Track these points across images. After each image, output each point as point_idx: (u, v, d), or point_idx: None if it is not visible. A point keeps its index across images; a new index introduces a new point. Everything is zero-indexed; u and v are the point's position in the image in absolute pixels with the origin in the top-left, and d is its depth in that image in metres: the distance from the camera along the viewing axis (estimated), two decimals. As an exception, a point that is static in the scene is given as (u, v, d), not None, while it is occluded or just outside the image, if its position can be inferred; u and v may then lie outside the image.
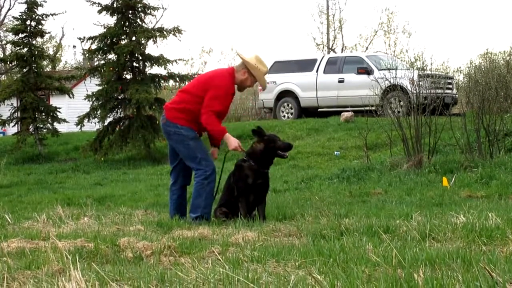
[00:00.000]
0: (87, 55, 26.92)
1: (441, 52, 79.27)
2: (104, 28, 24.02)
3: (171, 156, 8.87)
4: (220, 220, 8.23)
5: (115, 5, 23.92)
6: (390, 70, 17.21)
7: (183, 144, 8.47)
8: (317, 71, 24.14)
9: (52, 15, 27.48)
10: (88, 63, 31.12)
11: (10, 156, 24.94)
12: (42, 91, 28.27)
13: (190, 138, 8.40)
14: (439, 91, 16.21)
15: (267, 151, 8.48)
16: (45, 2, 26.88)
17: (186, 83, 26.25)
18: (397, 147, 16.22)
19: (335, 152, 18.64)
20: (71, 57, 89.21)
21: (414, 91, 15.70)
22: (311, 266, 5.04)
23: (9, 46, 36.89)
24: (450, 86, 21.01)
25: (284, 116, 24.66)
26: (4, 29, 46.98)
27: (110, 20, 24.65)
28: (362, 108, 18.22)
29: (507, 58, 19.68)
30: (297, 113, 24.41)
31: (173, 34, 24.01)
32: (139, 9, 24.19)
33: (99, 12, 24.07)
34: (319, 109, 24.22)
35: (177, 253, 5.87)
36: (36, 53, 26.87)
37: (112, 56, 24.20)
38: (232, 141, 8.42)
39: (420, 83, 15.78)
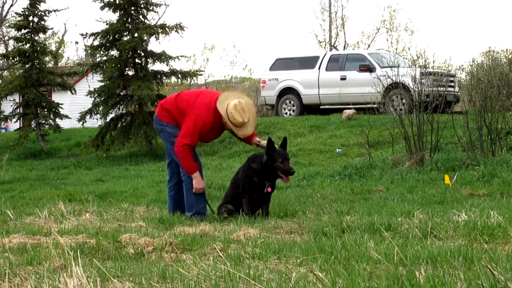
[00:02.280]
0: (89, 51, 26.93)
1: (444, 50, 79.45)
2: (107, 24, 24.01)
3: (166, 152, 8.92)
4: (223, 217, 8.22)
5: (117, 2, 23.90)
6: (392, 68, 17.21)
7: (168, 140, 8.55)
8: (319, 68, 24.14)
9: (54, 11, 27.49)
10: (90, 59, 31.10)
11: (12, 152, 24.94)
12: (44, 87, 28.25)
13: (174, 136, 8.42)
14: (441, 89, 16.19)
15: (266, 166, 8.33)
16: (48, -2, 26.92)
17: (188, 80, 26.34)
18: (399, 144, 16.21)
19: (337, 150, 18.64)
20: (73, 53, 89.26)
21: (416, 89, 15.68)
22: (313, 263, 5.04)
23: (11, 42, 36.89)
24: (452, 84, 20.97)
25: (286, 113, 24.66)
26: (7, 25, 47.00)
27: (113, 17, 24.67)
28: (364, 106, 18.22)
29: (510, 57, 19.64)
30: (299, 110, 24.41)
31: (175, 31, 24.01)
32: (142, 6, 24.18)
33: (102, 8, 24.05)
34: (321, 107, 24.21)
35: (178, 249, 5.88)
36: (38, 49, 26.86)
37: (114, 53, 24.20)
38: (197, 183, 8.34)
39: (422, 80, 15.76)
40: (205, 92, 8.78)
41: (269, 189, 8.37)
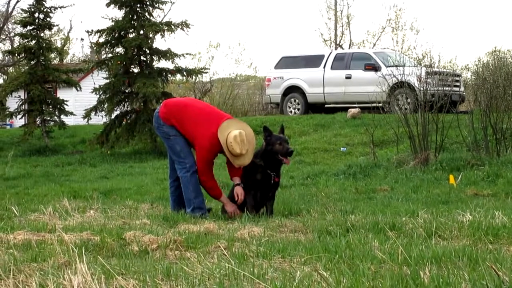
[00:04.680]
0: (94, 48, 26.95)
1: (449, 49, 79.25)
2: (112, 21, 24.02)
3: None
4: (227, 216, 8.22)
5: (123, -1, 23.92)
6: (398, 67, 17.20)
7: (165, 139, 8.70)
8: (324, 67, 24.13)
9: (60, 7, 27.52)
10: (96, 56, 31.14)
11: (17, 148, 24.98)
12: (50, 83, 28.29)
13: (169, 134, 8.54)
14: (447, 88, 16.18)
15: (266, 153, 8.41)
16: (54, -6, 26.96)
17: (193, 77, 26.32)
18: (403, 144, 16.19)
19: (342, 148, 18.63)
20: (78, 50, 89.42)
21: (422, 88, 15.67)
22: (317, 262, 5.04)
23: (17, 39, 36.86)
24: (458, 84, 20.96)
25: (291, 111, 24.66)
26: (13, 21, 47.00)
27: (118, 14, 24.64)
28: (369, 105, 18.21)
29: (515, 56, 19.63)
30: (304, 109, 24.40)
31: (181, 28, 24.00)
32: (147, 3, 24.19)
33: (107, 5, 24.08)
34: (326, 105, 24.20)
35: (183, 247, 5.88)
36: (44, 45, 26.90)
37: (119, 50, 24.21)
38: (229, 207, 8.48)
39: (428, 80, 15.75)
40: (210, 115, 8.57)
41: (276, 179, 8.40)
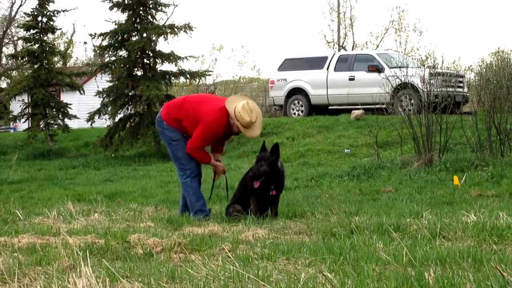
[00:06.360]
0: (98, 51, 26.98)
1: (452, 50, 79.21)
2: (115, 24, 24.05)
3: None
4: (232, 218, 8.22)
5: (126, 2, 23.96)
6: (401, 68, 17.18)
7: (167, 143, 8.82)
8: (327, 68, 24.11)
9: (63, 11, 27.59)
10: (99, 60, 31.19)
11: (21, 152, 25.03)
12: (53, 87, 28.36)
13: (173, 139, 8.64)
14: (450, 89, 16.17)
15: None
16: (57, -2, 27.00)
17: (197, 80, 26.35)
18: (407, 145, 16.18)
19: (346, 150, 18.62)
20: (82, 53, 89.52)
21: (425, 89, 15.66)
22: (322, 264, 5.04)
23: (20, 42, 36.98)
24: (461, 85, 20.92)
25: (295, 113, 24.64)
26: (16, 25, 47.12)
27: (121, 17, 24.80)
28: (373, 106, 18.19)
29: (519, 57, 19.58)
30: (307, 111, 24.38)
31: (184, 31, 24.04)
32: (150, 6, 24.22)
33: (110, 8, 24.12)
34: (330, 107, 24.18)
35: (187, 250, 5.88)
36: (47, 49, 26.96)
37: (123, 53, 24.25)
38: (216, 168, 8.75)
39: (431, 81, 15.74)
40: (211, 98, 8.87)
41: (274, 192, 8.38)
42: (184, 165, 8.59)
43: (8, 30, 49.19)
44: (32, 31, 27.12)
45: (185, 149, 8.53)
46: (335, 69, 23.99)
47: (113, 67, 24.16)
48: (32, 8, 27.21)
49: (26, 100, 27.85)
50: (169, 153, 8.90)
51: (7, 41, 50.53)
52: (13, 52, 42.87)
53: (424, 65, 17.54)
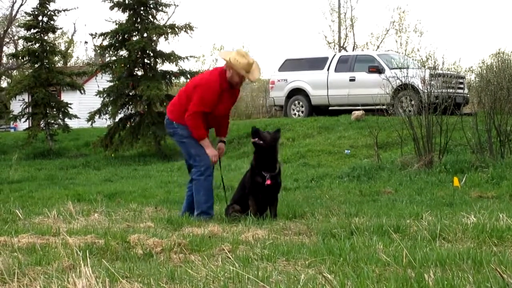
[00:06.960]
0: (98, 51, 27.02)
1: (453, 51, 79.15)
2: (116, 24, 24.07)
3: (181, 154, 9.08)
4: (231, 218, 8.22)
5: (127, 2, 23.97)
6: (402, 69, 17.18)
7: (179, 142, 8.77)
8: (328, 69, 24.11)
9: (64, 10, 27.61)
10: (100, 59, 31.20)
11: (21, 151, 25.03)
12: (54, 86, 28.36)
13: (184, 136, 8.60)
14: (451, 90, 16.16)
15: (255, 153, 8.63)
16: (57, -3, 27.04)
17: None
18: (407, 146, 16.17)
19: (346, 151, 18.62)
20: (82, 53, 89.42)
21: (426, 90, 15.66)
22: (321, 265, 5.04)
23: (21, 42, 36.99)
24: (462, 86, 20.91)
25: (295, 114, 24.64)
26: (16, 24, 47.12)
27: (122, 17, 24.84)
28: (373, 107, 18.18)
29: (519, 58, 19.56)
30: (307, 111, 24.38)
31: (185, 31, 24.06)
32: (151, 6, 24.24)
33: (111, 8, 24.13)
34: (330, 108, 24.17)
35: (187, 250, 5.88)
36: (47, 48, 26.97)
37: (123, 53, 24.27)
38: (209, 151, 8.62)
39: (432, 82, 15.74)
40: (203, 74, 9.15)
41: (268, 182, 8.36)
42: (199, 161, 8.54)
43: (9, 30, 49.19)
44: (32, 31, 27.14)
45: (197, 145, 8.53)
46: (336, 70, 23.99)
47: (113, 67, 24.18)
48: (33, 8, 27.26)
49: (26, 100, 27.85)
50: (183, 153, 8.89)
51: (7, 40, 50.55)
52: (13, 51, 42.87)
53: (424, 66, 17.53)
